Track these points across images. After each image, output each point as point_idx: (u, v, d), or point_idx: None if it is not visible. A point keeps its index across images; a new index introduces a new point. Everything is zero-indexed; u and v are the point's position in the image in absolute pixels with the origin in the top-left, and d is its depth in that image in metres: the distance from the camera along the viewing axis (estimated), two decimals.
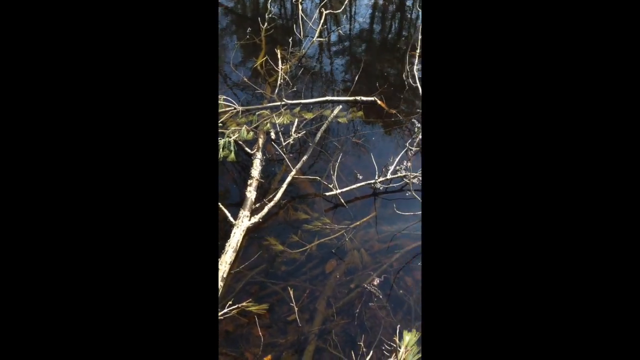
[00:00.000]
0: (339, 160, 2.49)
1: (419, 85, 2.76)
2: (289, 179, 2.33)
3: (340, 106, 2.57)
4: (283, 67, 2.85)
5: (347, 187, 2.34)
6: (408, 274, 1.99)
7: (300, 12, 3.47)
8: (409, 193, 2.32)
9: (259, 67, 3.26)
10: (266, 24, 3.30)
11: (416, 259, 2.05)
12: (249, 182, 2.30)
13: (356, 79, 3.24)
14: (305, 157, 2.45)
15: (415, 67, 2.89)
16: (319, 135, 2.47)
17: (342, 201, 2.32)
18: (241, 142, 2.50)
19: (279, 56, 2.88)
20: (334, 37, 4.20)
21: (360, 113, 2.93)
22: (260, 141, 2.55)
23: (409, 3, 4.64)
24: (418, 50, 2.93)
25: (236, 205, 2.22)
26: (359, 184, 2.35)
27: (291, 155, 2.64)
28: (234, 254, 1.98)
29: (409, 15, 4.69)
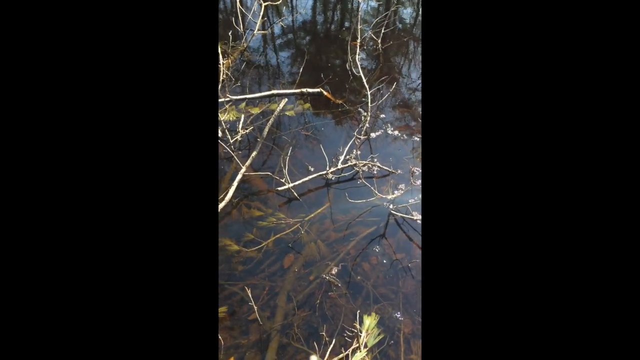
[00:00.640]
0: (289, 154, 2.47)
1: (361, 74, 2.80)
2: (239, 176, 2.28)
3: (286, 99, 2.54)
4: (225, 62, 2.76)
5: (299, 180, 2.33)
6: (365, 260, 2.04)
7: (238, 4, 3.37)
8: (360, 181, 2.36)
9: None
10: None
11: (371, 245, 2.10)
12: None
13: (301, 70, 3.23)
14: (254, 153, 2.40)
15: (357, 57, 2.92)
16: (266, 129, 2.43)
17: (296, 195, 2.31)
18: None
19: (219, 51, 2.78)
20: (277, 30, 4.14)
21: (308, 105, 2.92)
22: None
23: None
24: (359, 40, 2.96)
25: None
26: (310, 176, 2.36)
27: (240, 152, 2.58)
28: None
29: (349, 6, 4.73)
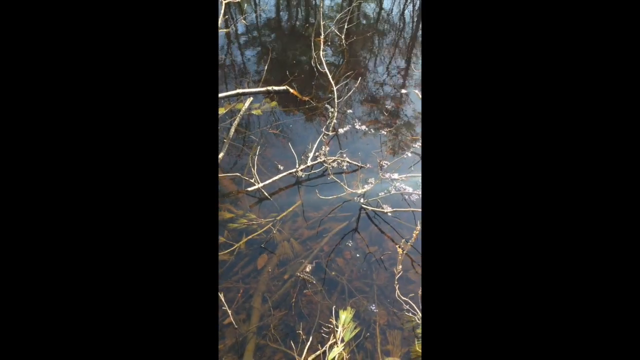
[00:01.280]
0: (257, 154, 2.44)
1: (327, 70, 2.80)
2: None
3: (252, 98, 2.50)
4: None
5: (269, 179, 2.30)
6: (339, 255, 2.04)
7: None
8: (330, 177, 2.36)
9: None
10: None
11: (344, 240, 2.11)
12: None
13: (266, 68, 3.19)
14: (221, 154, 2.35)
15: (322, 53, 2.92)
16: (232, 130, 2.39)
17: (266, 194, 2.28)
18: None
19: None
20: (241, 29, 4.06)
21: (275, 103, 2.89)
22: None
23: None
24: (322, 36, 2.96)
25: None
26: (280, 175, 2.34)
27: None
28: None
29: (313, 2, 4.71)
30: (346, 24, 3.61)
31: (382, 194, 2.31)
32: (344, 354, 1.64)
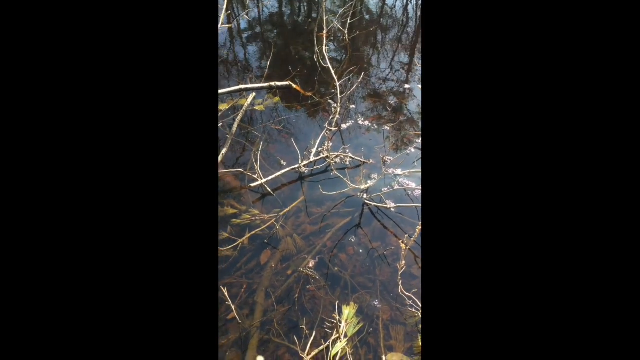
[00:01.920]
0: (260, 149, 2.43)
1: (329, 65, 2.78)
2: None
3: (255, 94, 2.49)
4: None
5: (272, 175, 2.30)
6: (342, 251, 2.04)
7: None
8: (333, 172, 2.36)
9: None
10: None
11: (347, 235, 2.11)
12: None
13: (268, 64, 3.18)
14: (224, 150, 2.35)
15: (324, 48, 2.90)
16: (235, 125, 2.38)
17: (269, 190, 2.28)
18: None
19: None
20: (244, 24, 4.05)
21: (277, 99, 2.89)
22: None
23: None
24: (325, 31, 2.94)
25: None
26: (283, 171, 2.34)
27: None
28: None
29: None
30: (349, 18, 3.59)
31: (385, 189, 2.31)
32: (347, 349, 1.64)
